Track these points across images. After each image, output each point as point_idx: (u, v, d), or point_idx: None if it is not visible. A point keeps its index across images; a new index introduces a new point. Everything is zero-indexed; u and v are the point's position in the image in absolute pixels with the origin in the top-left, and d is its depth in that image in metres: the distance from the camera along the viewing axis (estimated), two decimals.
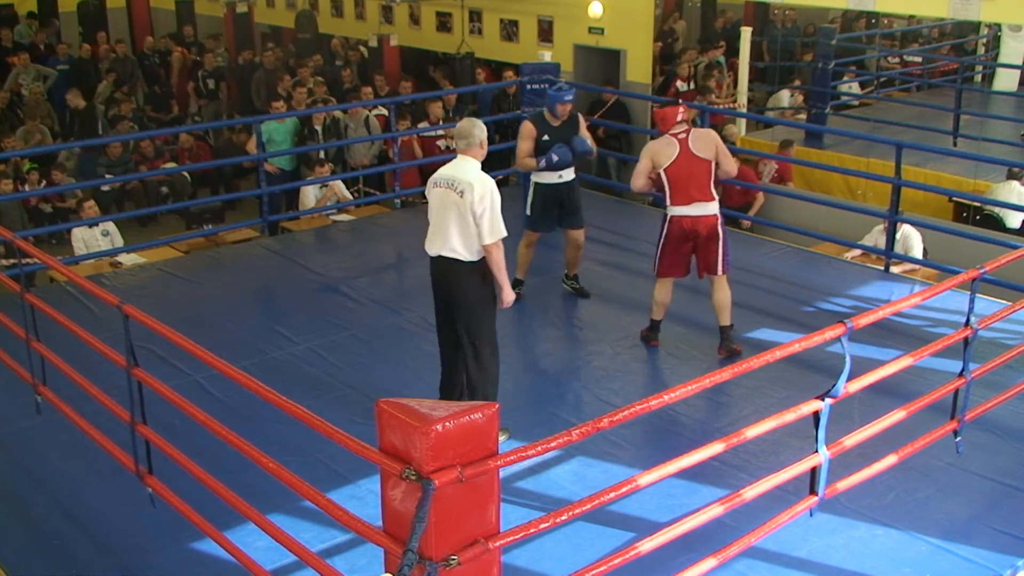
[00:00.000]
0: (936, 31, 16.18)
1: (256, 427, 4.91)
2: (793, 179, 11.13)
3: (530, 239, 7.44)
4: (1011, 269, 5.66)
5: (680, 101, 6.57)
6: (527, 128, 7.21)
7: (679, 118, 6.37)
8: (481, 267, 5.29)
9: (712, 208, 6.35)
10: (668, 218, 6.40)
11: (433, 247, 5.35)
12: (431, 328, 6.90)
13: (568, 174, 7.24)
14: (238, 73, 14.89)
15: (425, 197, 10.75)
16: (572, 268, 7.63)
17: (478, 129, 5.35)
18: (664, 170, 6.30)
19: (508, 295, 5.41)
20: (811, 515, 4.33)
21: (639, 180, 6.46)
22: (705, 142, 6.38)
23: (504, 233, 5.24)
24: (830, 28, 13.80)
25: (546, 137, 7.13)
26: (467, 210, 5.16)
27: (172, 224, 11.54)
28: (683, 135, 6.35)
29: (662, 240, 6.46)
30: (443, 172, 5.37)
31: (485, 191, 5.17)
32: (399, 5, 14.39)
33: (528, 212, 7.34)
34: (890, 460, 4.61)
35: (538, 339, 6.94)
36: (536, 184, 7.24)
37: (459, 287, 5.30)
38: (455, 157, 5.41)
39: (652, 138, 6.51)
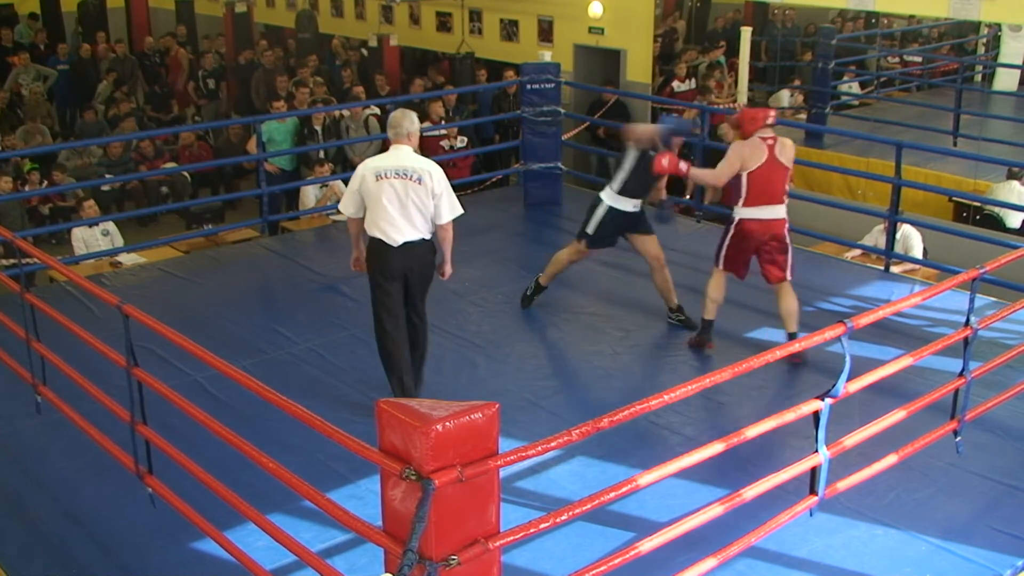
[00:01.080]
0: (935, 31, 16.18)
1: (256, 427, 4.91)
2: (793, 178, 11.11)
3: (579, 253, 7.10)
4: (1011, 269, 5.65)
5: (770, 105, 6.49)
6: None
7: (768, 122, 6.27)
8: (433, 243, 5.75)
9: (782, 212, 6.33)
10: (737, 219, 6.32)
11: (401, 234, 5.58)
12: (431, 328, 6.91)
13: (638, 205, 6.89)
14: (238, 73, 14.90)
15: None
16: (671, 300, 7.03)
17: (407, 120, 5.64)
18: (749, 172, 6.21)
19: (450, 268, 5.92)
20: (811, 515, 4.33)
21: (724, 176, 6.32)
22: (787, 151, 6.30)
23: (461, 210, 5.66)
24: (830, 28, 13.81)
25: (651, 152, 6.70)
26: (428, 195, 5.52)
27: (172, 224, 11.53)
28: (771, 140, 6.24)
29: (728, 239, 6.39)
30: (385, 164, 5.58)
31: (441, 175, 5.59)
32: (399, 5, 14.38)
33: (591, 231, 6.91)
34: (890, 460, 4.61)
35: (538, 339, 6.94)
36: (610, 208, 6.82)
37: (428, 265, 5.75)
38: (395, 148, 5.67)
39: (739, 138, 6.33)
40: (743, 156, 6.22)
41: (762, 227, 6.29)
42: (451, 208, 5.61)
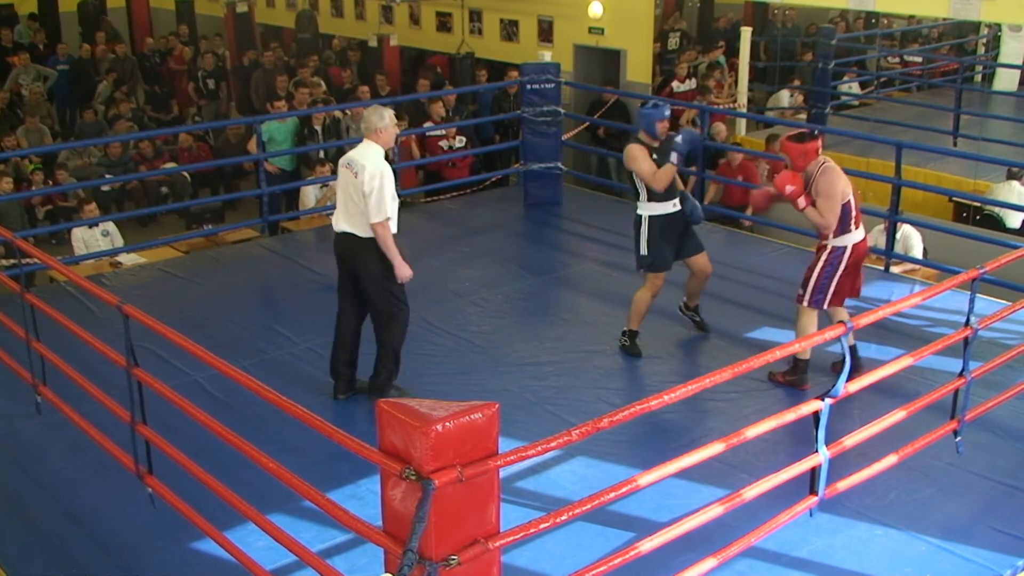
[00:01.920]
0: (935, 32, 16.20)
1: (256, 427, 4.90)
2: None
3: (655, 285, 6.55)
4: (1011, 269, 5.65)
5: (819, 132, 6.18)
6: (637, 149, 6.39)
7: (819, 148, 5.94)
8: (371, 242, 5.66)
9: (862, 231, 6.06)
10: (850, 246, 5.92)
11: (337, 223, 5.76)
12: (431, 328, 6.94)
13: (677, 204, 6.52)
14: (238, 73, 14.91)
15: (425, 197, 10.83)
16: (694, 299, 6.88)
17: (375, 117, 5.63)
18: (852, 197, 5.90)
19: (402, 271, 5.71)
20: (811, 515, 4.33)
21: (835, 216, 5.85)
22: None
23: (388, 215, 5.54)
24: (830, 28, 13.81)
25: (654, 156, 6.38)
26: (359, 190, 5.52)
27: (172, 224, 11.54)
28: (831, 162, 5.96)
29: (841, 268, 5.92)
30: (349, 154, 5.75)
31: (375, 172, 5.50)
32: (399, 5, 14.39)
33: (646, 251, 6.46)
34: (890, 460, 4.61)
35: (538, 339, 6.93)
36: (651, 218, 6.43)
37: (363, 262, 5.72)
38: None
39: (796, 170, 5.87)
40: (843, 184, 5.87)
41: (864, 246, 6.05)
42: (377, 208, 5.51)
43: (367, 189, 5.49)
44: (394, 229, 5.65)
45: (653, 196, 6.40)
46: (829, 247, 5.95)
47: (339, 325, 6.04)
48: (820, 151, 5.92)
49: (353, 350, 6.00)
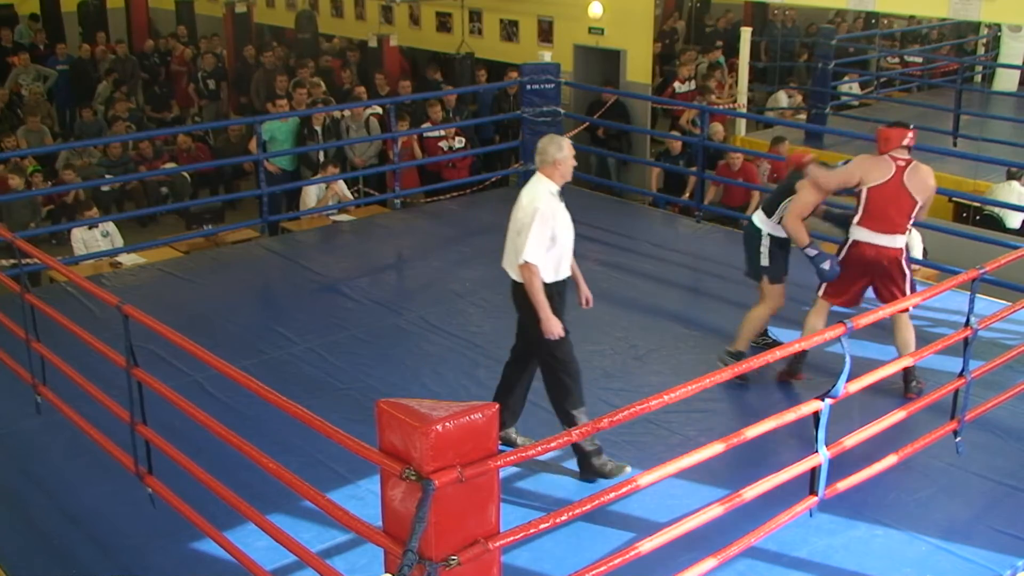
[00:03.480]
0: (936, 32, 16.20)
1: (256, 427, 4.91)
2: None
3: (776, 303, 6.27)
4: (1011, 269, 5.65)
5: (911, 126, 5.92)
6: (816, 186, 5.97)
7: (904, 143, 5.78)
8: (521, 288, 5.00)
9: (899, 241, 5.79)
10: (850, 241, 5.86)
11: (505, 267, 5.16)
12: (431, 328, 6.95)
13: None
14: (238, 73, 14.90)
15: (425, 197, 10.77)
16: (757, 334, 6.53)
17: (554, 147, 5.00)
18: (869, 188, 5.75)
19: (548, 326, 4.96)
20: (811, 515, 4.33)
21: (834, 181, 5.88)
22: (920, 180, 5.75)
23: (536, 258, 4.86)
24: (830, 28, 13.81)
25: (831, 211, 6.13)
26: (514, 226, 4.97)
27: (172, 224, 11.53)
28: (902, 162, 5.75)
29: (838, 258, 5.90)
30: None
31: (531, 208, 4.89)
32: (399, 5, 14.39)
33: (767, 262, 6.24)
34: (890, 460, 4.61)
35: None
36: (771, 236, 6.20)
37: (516, 307, 5.09)
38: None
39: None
40: (864, 168, 5.79)
41: (877, 254, 5.78)
42: (524, 248, 4.86)
43: (519, 226, 4.91)
44: (549, 277, 4.96)
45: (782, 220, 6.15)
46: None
47: (505, 384, 5.42)
48: (905, 143, 5.76)
49: (506, 398, 5.33)
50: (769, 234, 6.20)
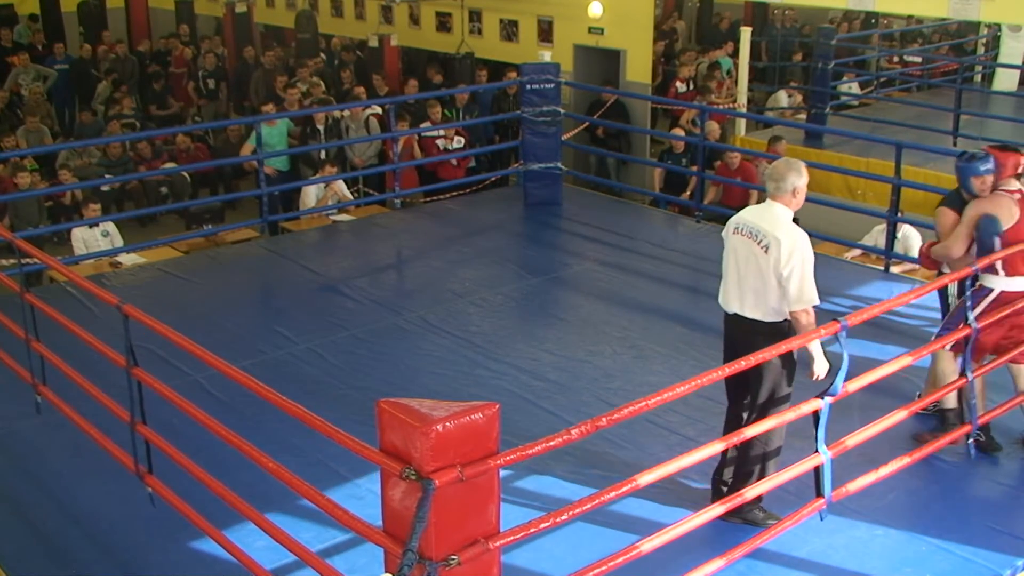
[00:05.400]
0: (936, 34, 16.20)
1: (256, 427, 4.90)
2: None
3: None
4: None
5: (1021, 149, 5.36)
6: (952, 216, 5.44)
7: (1020, 170, 5.22)
8: (782, 330, 4.55)
9: None
10: (995, 293, 5.20)
11: (728, 303, 4.72)
12: (430, 328, 6.94)
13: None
14: (238, 73, 14.89)
15: (426, 198, 10.73)
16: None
17: (794, 174, 4.55)
18: (1001, 235, 5.17)
19: (821, 366, 4.57)
20: (821, 519, 4.32)
21: (960, 246, 5.27)
22: None
23: (815, 300, 4.50)
24: (830, 28, 13.82)
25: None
26: (770, 269, 4.50)
27: (172, 224, 11.53)
28: (1018, 195, 5.22)
29: (980, 314, 5.14)
30: (747, 217, 4.68)
31: (794, 248, 4.46)
32: (399, 5, 14.39)
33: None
34: (903, 462, 4.60)
35: (538, 339, 6.93)
36: (1002, 292, 5.27)
37: (758, 349, 4.29)
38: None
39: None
40: (973, 212, 5.26)
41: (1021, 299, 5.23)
42: (799, 293, 4.43)
43: (785, 271, 4.43)
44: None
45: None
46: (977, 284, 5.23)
47: (725, 428, 4.86)
48: (1020, 171, 5.21)
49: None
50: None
